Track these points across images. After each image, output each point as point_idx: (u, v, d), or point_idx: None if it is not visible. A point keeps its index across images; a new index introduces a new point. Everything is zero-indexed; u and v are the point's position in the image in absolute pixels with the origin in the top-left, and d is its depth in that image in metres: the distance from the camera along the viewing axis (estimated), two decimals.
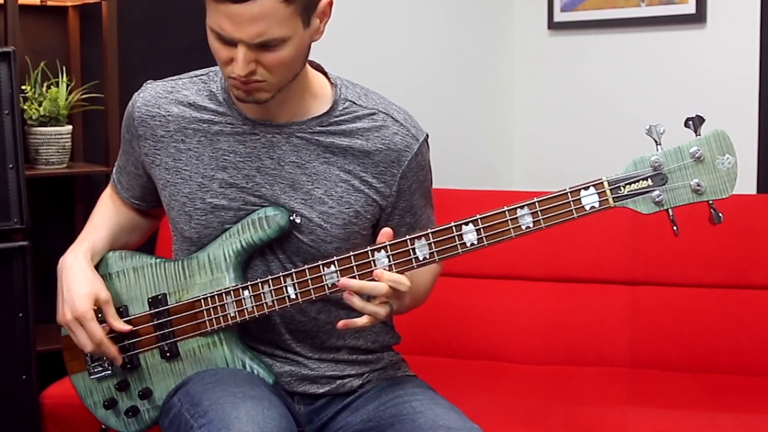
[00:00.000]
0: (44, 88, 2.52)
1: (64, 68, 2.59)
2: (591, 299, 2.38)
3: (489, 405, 2.03)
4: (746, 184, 2.72)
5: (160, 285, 1.63)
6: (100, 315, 1.60)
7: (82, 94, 2.59)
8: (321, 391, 1.63)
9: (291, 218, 1.55)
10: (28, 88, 2.49)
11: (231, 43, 1.42)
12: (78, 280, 1.59)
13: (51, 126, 2.50)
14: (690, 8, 2.82)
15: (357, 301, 1.45)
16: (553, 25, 3.14)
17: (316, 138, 1.57)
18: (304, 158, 1.56)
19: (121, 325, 1.60)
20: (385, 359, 1.70)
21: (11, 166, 2.19)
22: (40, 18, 2.64)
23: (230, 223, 1.59)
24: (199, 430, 1.43)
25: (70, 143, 2.55)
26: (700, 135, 1.36)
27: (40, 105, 2.49)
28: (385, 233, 1.48)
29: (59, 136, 2.51)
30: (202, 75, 1.64)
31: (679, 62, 2.89)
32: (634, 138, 3.04)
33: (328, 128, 1.57)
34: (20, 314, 2.19)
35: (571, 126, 3.15)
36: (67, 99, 2.53)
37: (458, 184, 2.72)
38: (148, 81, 1.67)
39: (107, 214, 1.73)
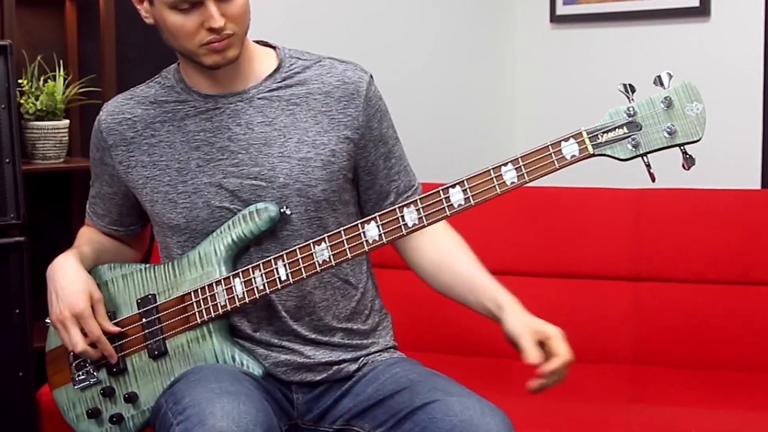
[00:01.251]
0: (41, 82, 2.50)
1: (61, 62, 2.58)
2: (593, 295, 2.37)
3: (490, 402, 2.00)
4: (750, 179, 2.70)
5: (149, 286, 1.65)
6: None
7: (79, 88, 2.58)
8: (318, 378, 1.65)
9: (282, 210, 1.58)
10: (25, 82, 2.47)
11: (196, 5, 1.52)
12: (72, 279, 1.62)
13: (48, 120, 2.49)
14: (694, 1, 2.80)
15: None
16: (556, 18, 3.12)
17: (276, 95, 1.63)
18: (270, 116, 1.62)
19: (110, 326, 1.63)
20: (380, 344, 1.71)
21: (8, 160, 2.18)
22: (37, 11, 2.62)
23: (215, 199, 1.61)
24: (177, 427, 1.45)
25: (67, 138, 2.54)
26: (669, 87, 1.43)
27: (36, 99, 2.47)
28: None
29: (56, 131, 2.50)
30: (156, 78, 1.71)
31: (683, 56, 2.87)
32: None
33: (283, 82, 1.64)
34: (17, 311, 2.19)
35: (574, 119, 3.08)
36: (64, 93, 2.51)
37: (458, 175, 2.71)
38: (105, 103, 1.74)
39: (89, 236, 1.78)
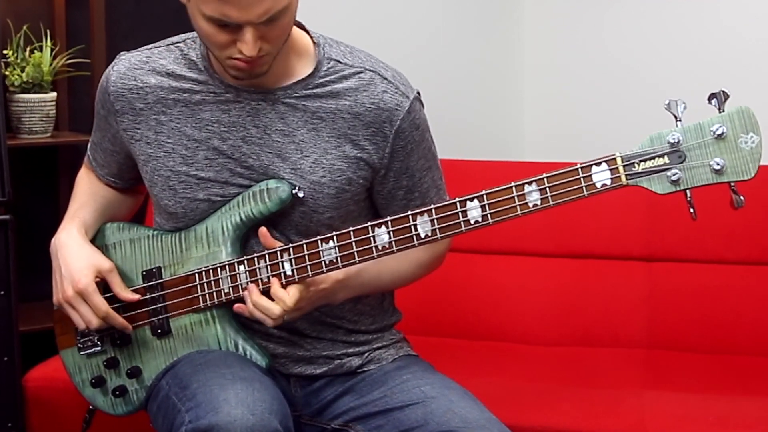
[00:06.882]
0: (27, 53, 2.49)
1: (48, 32, 2.55)
2: (606, 276, 2.35)
3: (498, 388, 1.99)
4: None
5: (156, 258, 1.61)
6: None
7: (67, 59, 2.56)
8: (318, 371, 1.61)
9: (294, 191, 1.52)
10: (10, 52, 2.46)
11: (235, 27, 1.41)
12: (75, 255, 1.58)
13: (34, 93, 2.48)
14: None
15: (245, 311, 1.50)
16: None
17: (302, 103, 1.54)
18: (291, 126, 1.53)
19: (129, 295, 1.58)
20: (385, 338, 1.68)
21: None
22: None
23: (217, 196, 1.56)
24: (186, 414, 1.40)
25: (54, 111, 2.53)
26: (723, 111, 1.29)
27: (22, 71, 2.45)
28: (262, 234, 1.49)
29: (43, 104, 2.49)
30: (179, 42, 1.60)
31: (699, 22, 2.83)
32: (650, 102, 2.93)
33: (314, 91, 1.53)
34: (2, 292, 2.17)
35: (585, 90, 3.11)
36: (51, 64, 2.50)
37: (464, 154, 2.69)
38: (122, 52, 1.63)
39: (90, 191, 1.71)
